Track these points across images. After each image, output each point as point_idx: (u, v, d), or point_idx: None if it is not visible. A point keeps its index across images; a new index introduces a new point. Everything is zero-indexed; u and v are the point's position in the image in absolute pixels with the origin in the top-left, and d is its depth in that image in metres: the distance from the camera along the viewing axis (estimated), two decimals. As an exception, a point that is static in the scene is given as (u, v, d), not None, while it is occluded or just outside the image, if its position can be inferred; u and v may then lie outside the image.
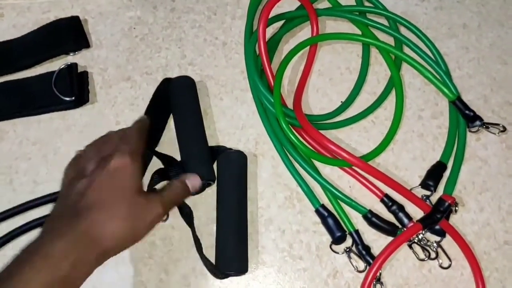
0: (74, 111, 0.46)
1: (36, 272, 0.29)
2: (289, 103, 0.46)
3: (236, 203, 0.41)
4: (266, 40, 0.47)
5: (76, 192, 0.34)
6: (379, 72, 0.48)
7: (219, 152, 0.43)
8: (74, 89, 0.46)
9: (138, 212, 0.34)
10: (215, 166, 0.43)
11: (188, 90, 0.45)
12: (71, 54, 0.48)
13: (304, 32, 0.50)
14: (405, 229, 0.41)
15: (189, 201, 0.41)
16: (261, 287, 0.41)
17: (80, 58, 0.48)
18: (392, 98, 0.47)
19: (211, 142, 0.44)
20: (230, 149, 0.44)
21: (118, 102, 0.47)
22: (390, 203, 0.42)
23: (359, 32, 0.49)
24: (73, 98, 0.45)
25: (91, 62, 0.48)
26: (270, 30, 0.49)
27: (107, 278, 0.41)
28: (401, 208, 0.42)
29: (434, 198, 0.42)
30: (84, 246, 0.31)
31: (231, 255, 0.39)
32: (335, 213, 0.42)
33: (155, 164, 0.43)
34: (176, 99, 0.45)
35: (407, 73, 0.48)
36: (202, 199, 0.43)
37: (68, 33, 0.48)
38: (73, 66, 0.47)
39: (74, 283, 0.31)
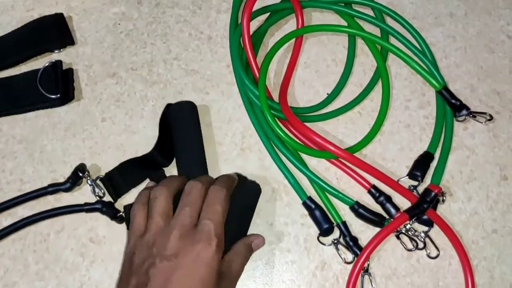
0: (59, 108, 0.46)
1: None
2: (275, 96, 0.46)
3: (234, 237, 0.39)
4: (251, 33, 0.47)
5: (156, 276, 0.32)
6: (365, 63, 0.48)
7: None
8: (59, 87, 0.45)
9: None
10: None
11: (187, 117, 0.43)
12: (56, 51, 0.48)
13: (289, 25, 0.50)
14: (392, 219, 0.41)
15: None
16: (250, 280, 0.41)
17: (65, 56, 0.48)
18: (378, 89, 0.47)
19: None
20: (245, 178, 0.42)
21: (104, 99, 0.47)
22: (378, 194, 0.42)
23: (345, 24, 0.49)
24: (59, 95, 0.45)
25: (76, 59, 0.48)
26: (255, 23, 0.49)
27: (95, 275, 0.41)
28: (388, 199, 0.42)
29: (422, 188, 0.42)
30: None
31: None
32: (323, 205, 0.42)
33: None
34: (175, 128, 0.43)
35: (394, 63, 0.48)
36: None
37: (53, 31, 0.48)
38: (58, 64, 0.46)
39: None
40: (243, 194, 0.40)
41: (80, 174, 0.42)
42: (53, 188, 0.42)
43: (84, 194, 0.43)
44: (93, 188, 0.42)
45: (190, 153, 0.42)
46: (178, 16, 0.50)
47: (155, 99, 0.47)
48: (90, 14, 0.50)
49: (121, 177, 0.42)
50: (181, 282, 0.32)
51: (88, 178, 0.42)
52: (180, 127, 0.43)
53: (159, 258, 0.33)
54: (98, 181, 0.43)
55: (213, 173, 0.43)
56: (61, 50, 0.48)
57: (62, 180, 0.43)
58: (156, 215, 0.36)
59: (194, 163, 0.42)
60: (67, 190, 0.42)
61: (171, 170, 0.43)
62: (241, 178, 0.42)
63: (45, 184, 0.43)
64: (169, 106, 0.45)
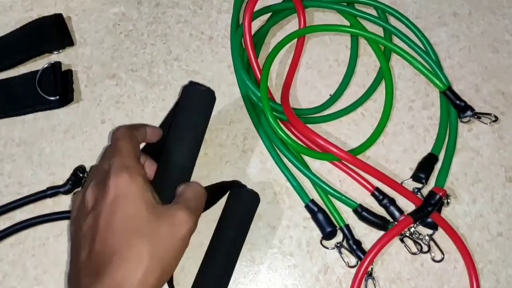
0: (58, 110, 0.46)
1: None
2: (277, 97, 0.45)
3: (231, 246, 0.39)
4: (253, 33, 0.46)
5: (85, 236, 0.30)
6: (368, 63, 0.47)
7: (233, 187, 0.41)
8: (58, 88, 0.45)
9: (163, 237, 0.30)
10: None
11: (201, 105, 0.38)
12: (55, 52, 0.48)
13: (291, 25, 0.49)
14: (396, 223, 0.40)
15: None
16: (252, 285, 0.40)
17: (64, 57, 0.48)
18: (381, 90, 0.46)
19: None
20: (244, 186, 0.41)
21: (103, 100, 0.46)
22: (381, 197, 0.41)
23: (348, 23, 0.48)
24: (58, 97, 0.45)
25: (75, 60, 0.48)
26: (257, 23, 0.49)
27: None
28: (392, 201, 0.41)
29: (426, 191, 0.41)
30: None
31: None
32: (325, 208, 0.41)
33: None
34: (183, 110, 0.38)
35: (397, 64, 0.47)
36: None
37: (52, 31, 0.47)
38: (57, 65, 0.46)
39: None
40: (241, 202, 0.40)
41: (80, 175, 0.42)
42: (53, 191, 0.41)
43: (83, 197, 0.42)
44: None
45: (184, 143, 0.38)
46: (179, 16, 0.49)
47: (155, 100, 0.46)
48: (89, 14, 0.49)
49: None
50: (110, 227, 0.29)
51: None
52: (187, 112, 0.38)
53: (83, 218, 0.31)
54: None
55: (214, 175, 0.43)
56: (60, 51, 0.48)
57: (61, 183, 0.42)
58: (85, 190, 0.35)
59: (183, 154, 0.38)
60: (66, 192, 0.42)
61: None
62: (239, 186, 0.41)
63: (44, 187, 0.42)
64: (189, 85, 0.40)
